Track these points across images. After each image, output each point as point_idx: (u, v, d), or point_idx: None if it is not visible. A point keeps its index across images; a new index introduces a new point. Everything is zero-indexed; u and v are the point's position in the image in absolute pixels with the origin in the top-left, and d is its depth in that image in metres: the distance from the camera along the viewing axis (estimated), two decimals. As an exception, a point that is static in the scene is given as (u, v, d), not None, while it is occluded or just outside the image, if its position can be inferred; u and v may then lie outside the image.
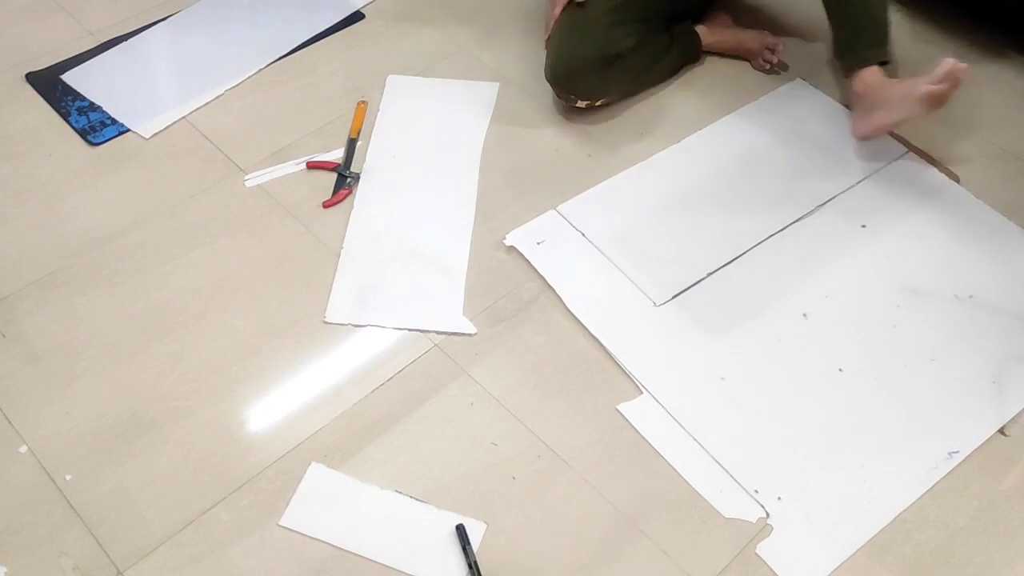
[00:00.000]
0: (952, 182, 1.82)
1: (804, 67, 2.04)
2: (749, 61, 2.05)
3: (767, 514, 1.37)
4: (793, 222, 1.73)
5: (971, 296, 1.64)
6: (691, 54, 2.02)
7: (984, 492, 1.41)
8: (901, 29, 2.10)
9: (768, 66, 2.02)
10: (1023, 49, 2.09)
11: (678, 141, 1.88)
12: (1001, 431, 1.46)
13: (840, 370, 1.53)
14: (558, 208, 1.74)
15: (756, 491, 1.39)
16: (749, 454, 1.43)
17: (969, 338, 1.58)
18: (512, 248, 1.69)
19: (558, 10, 1.86)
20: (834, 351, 1.56)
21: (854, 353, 1.55)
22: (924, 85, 1.70)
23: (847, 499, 1.39)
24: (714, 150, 1.86)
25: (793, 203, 1.77)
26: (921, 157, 1.85)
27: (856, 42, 1.81)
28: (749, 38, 2.03)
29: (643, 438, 1.45)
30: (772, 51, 2.01)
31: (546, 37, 1.90)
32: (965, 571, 1.33)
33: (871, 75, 1.79)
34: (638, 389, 1.50)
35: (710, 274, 1.65)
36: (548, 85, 1.88)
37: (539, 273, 1.64)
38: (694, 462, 1.42)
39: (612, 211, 1.74)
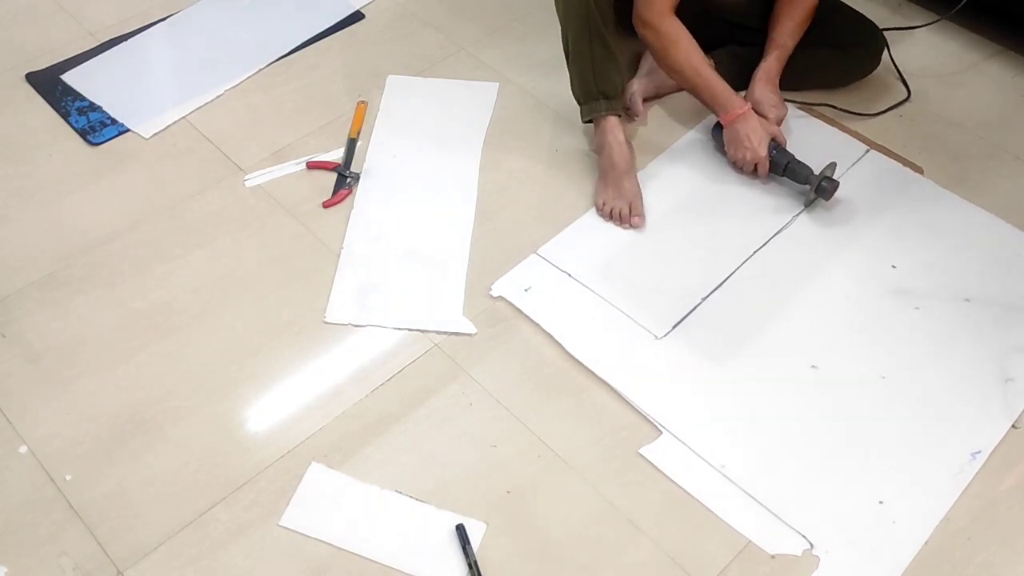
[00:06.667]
0: (917, 175, 1.82)
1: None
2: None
3: (811, 545, 1.34)
4: (773, 235, 1.72)
5: (964, 290, 1.63)
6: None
7: (985, 492, 1.40)
8: (900, 26, 2.10)
9: None
10: (1023, 49, 2.09)
11: (643, 167, 1.82)
12: (1012, 424, 1.47)
13: (856, 389, 1.51)
14: (539, 251, 1.69)
15: (796, 523, 1.36)
16: (782, 485, 1.40)
17: (970, 334, 1.58)
18: (512, 248, 1.69)
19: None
20: (844, 368, 1.53)
21: (864, 368, 1.53)
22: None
23: (885, 517, 1.37)
24: (677, 172, 1.82)
25: (768, 216, 1.75)
26: (883, 153, 1.83)
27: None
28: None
29: (670, 479, 1.41)
30: None
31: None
32: (966, 571, 1.33)
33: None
34: (656, 428, 1.46)
35: (704, 299, 1.62)
36: (547, 84, 1.84)
37: (534, 321, 1.58)
38: (729, 500, 1.38)
39: (592, 247, 1.70)
